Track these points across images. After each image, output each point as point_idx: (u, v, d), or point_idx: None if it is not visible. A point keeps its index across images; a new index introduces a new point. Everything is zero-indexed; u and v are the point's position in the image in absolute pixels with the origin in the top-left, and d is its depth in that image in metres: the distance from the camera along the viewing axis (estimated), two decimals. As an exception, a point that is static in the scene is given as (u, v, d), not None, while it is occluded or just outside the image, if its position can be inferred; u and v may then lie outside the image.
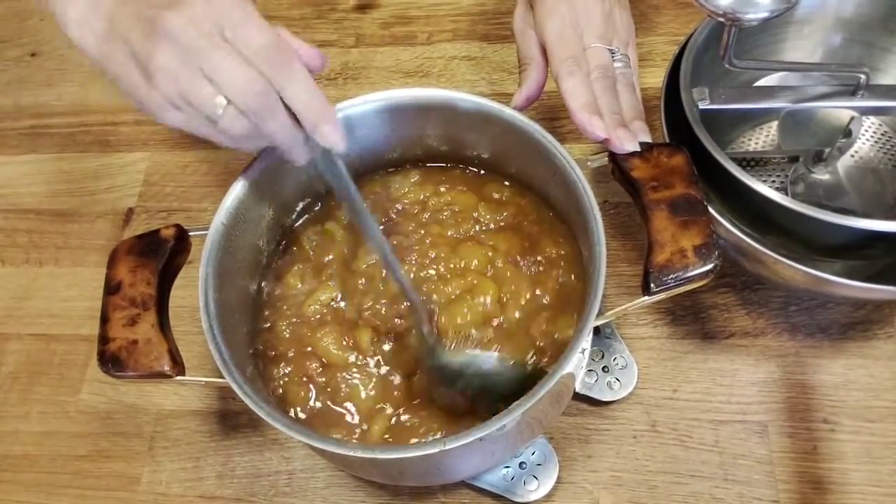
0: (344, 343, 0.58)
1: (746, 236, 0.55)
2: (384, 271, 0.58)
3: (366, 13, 0.92)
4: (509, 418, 0.46)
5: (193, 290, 0.53)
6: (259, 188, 0.58)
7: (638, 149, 0.54)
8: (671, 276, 0.48)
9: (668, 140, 0.59)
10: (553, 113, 0.81)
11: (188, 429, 0.69)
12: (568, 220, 0.60)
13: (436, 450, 0.45)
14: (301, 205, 0.64)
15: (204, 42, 0.42)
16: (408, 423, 0.56)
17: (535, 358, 0.57)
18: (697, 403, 0.65)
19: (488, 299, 0.58)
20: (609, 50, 0.58)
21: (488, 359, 0.56)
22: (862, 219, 0.52)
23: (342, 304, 0.60)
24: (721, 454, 0.63)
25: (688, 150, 0.54)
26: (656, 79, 0.68)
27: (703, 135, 0.56)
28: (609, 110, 0.55)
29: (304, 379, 0.58)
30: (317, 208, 0.65)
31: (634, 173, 0.53)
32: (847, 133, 0.63)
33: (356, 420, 0.56)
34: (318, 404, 0.57)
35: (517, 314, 0.58)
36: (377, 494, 0.64)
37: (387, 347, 0.58)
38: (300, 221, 0.65)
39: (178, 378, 0.50)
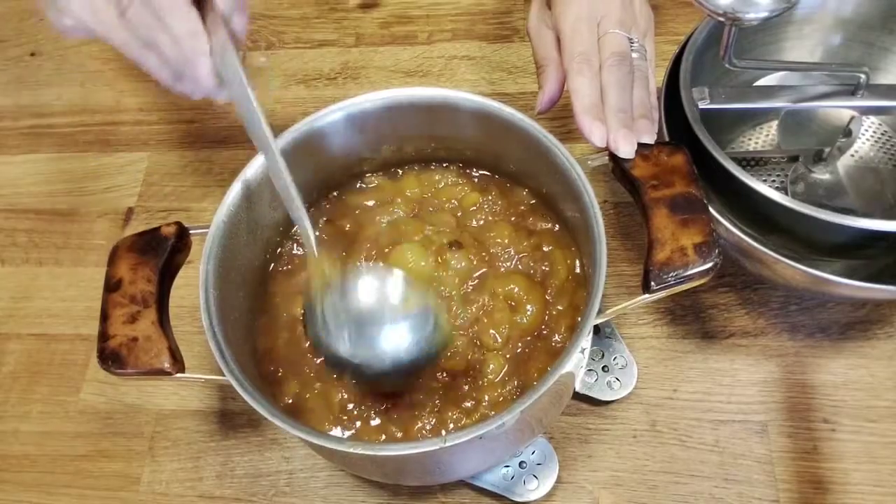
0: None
1: (746, 236, 0.55)
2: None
3: (366, 13, 0.92)
4: (508, 416, 0.46)
5: (193, 290, 0.53)
6: (260, 187, 0.58)
7: (632, 156, 0.53)
8: (671, 273, 0.48)
9: (668, 139, 0.59)
10: (554, 112, 0.80)
11: (188, 429, 0.69)
12: (568, 218, 0.60)
13: (436, 447, 0.45)
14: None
15: None
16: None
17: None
18: (697, 403, 0.65)
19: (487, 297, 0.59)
20: (627, 38, 0.57)
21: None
22: (862, 218, 0.52)
23: None
24: (721, 454, 0.63)
25: (688, 149, 0.54)
26: (656, 78, 0.68)
27: (702, 134, 0.56)
28: (616, 108, 0.54)
29: None
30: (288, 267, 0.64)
31: (634, 172, 0.53)
32: (847, 133, 0.63)
33: None
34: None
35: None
36: (377, 494, 0.64)
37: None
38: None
39: (179, 375, 0.50)
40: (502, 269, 0.60)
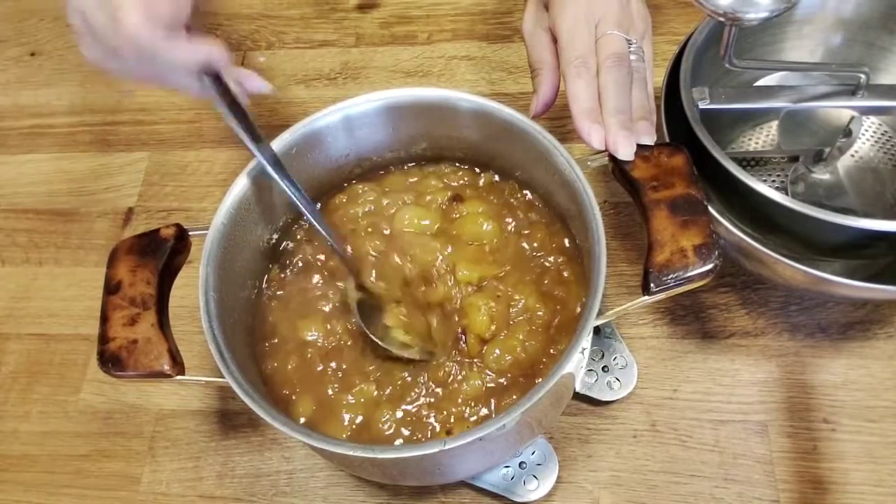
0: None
1: (746, 236, 0.55)
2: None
3: (366, 13, 0.92)
4: (509, 418, 0.46)
5: (193, 290, 0.53)
6: (260, 188, 0.58)
7: (631, 158, 0.53)
8: (671, 275, 0.48)
9: (668, 140, 0.59)
10: (553, 112, 0.80)
11: (188, 429, 0.69)
12: (568, 219, 0.60)
13: (435, 449, 0.45)
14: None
15: None
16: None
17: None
18: (697, 403, 0.65)
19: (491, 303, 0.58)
20: (626, 39, 0.56)
21: None
22: (862, 218, 0.52)
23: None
24: (721, 454, 0.63)
25: (688, 149, 0.54)
26: (656, 78, 0.67)
27: (703, 134, 0.56)
28: (614, 109, 0.54)
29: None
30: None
31: (634, 173, 0.53)
32: (847, 133, 0.63)
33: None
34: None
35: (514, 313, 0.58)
36: (377, 494, 0.64)
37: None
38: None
39: (178, 378, 0.50)
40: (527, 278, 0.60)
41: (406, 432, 0.55)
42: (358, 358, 0.59)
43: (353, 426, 0.56)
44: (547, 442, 0.63)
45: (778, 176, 0.68)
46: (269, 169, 0.55)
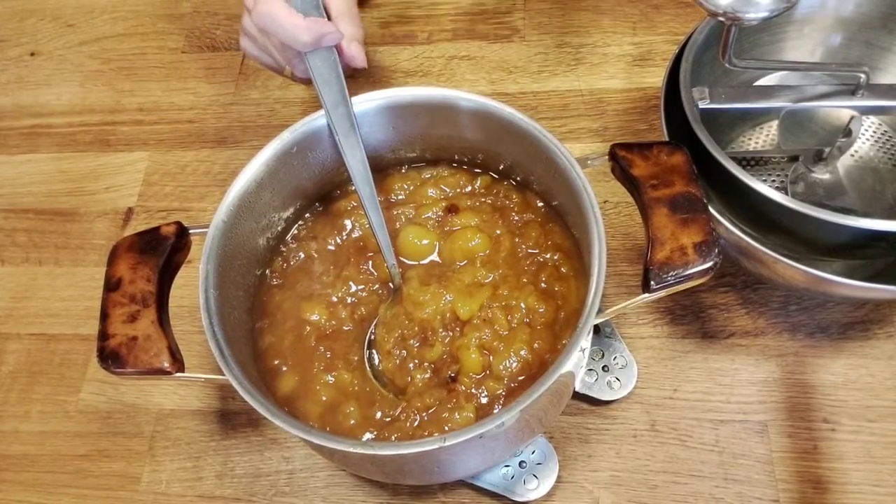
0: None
1: (746, 236, 0.55)
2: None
3: (365, 13, 0.92)
4: (508, 416, 0.46)
5: (193, 290, 0.53)
6: (260, 187, 0.58)
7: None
8: (671, 273, 0.48)
9: (667, 139, 0.59)
10: (553, 112, 0.81)
11: (188, 428, 0.69)
12: (568, 218, 0.60)
13: (435, 446, 0.45)
14: (300, 203, 0.64)
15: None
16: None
17: None
18: (697, 403, 0.65)
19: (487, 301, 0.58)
20: None
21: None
22: (862, 218, 0.52)
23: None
24: (721, 454, 0.63)
25: (688, 149, 0.54)
26: (656, 78, 0.68)
27: (702, 134, 0.56)
28: None
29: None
30: (304, 230, 0.65)
31: (634, 171, 0.53)
32: (847, 132, 0.63)
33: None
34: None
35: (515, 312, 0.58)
36: (377, 493, 0.64)
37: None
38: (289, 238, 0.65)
39: (178, 375, 0.50)
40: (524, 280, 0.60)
41: (370, 435, 0.56)
42: (351, 345, 0.59)
43: (326, 409, 0.56)
44: (547, 441, 0.63)
45: (778, 176, 0.68)
46: (349, 164, 0.59)
